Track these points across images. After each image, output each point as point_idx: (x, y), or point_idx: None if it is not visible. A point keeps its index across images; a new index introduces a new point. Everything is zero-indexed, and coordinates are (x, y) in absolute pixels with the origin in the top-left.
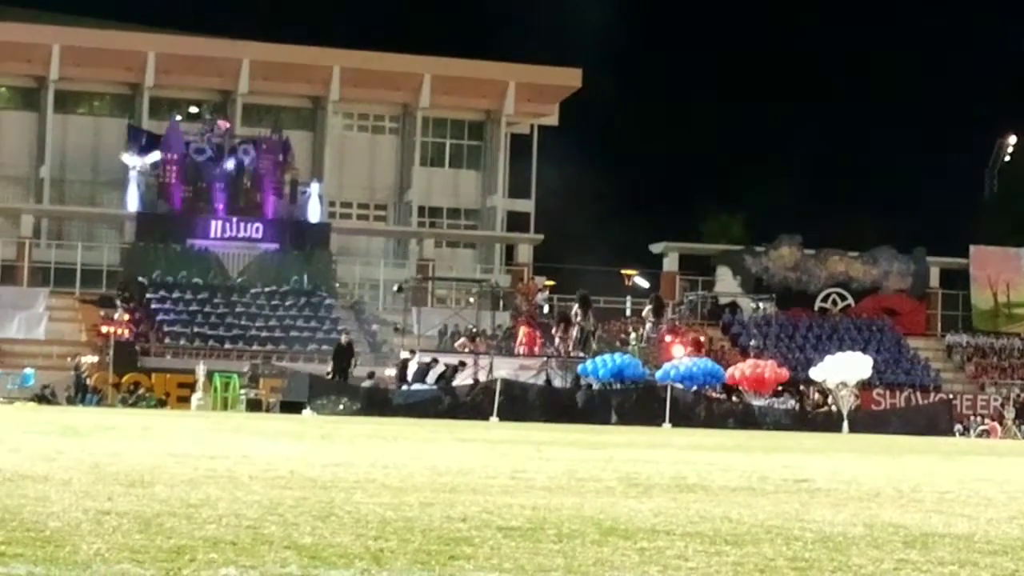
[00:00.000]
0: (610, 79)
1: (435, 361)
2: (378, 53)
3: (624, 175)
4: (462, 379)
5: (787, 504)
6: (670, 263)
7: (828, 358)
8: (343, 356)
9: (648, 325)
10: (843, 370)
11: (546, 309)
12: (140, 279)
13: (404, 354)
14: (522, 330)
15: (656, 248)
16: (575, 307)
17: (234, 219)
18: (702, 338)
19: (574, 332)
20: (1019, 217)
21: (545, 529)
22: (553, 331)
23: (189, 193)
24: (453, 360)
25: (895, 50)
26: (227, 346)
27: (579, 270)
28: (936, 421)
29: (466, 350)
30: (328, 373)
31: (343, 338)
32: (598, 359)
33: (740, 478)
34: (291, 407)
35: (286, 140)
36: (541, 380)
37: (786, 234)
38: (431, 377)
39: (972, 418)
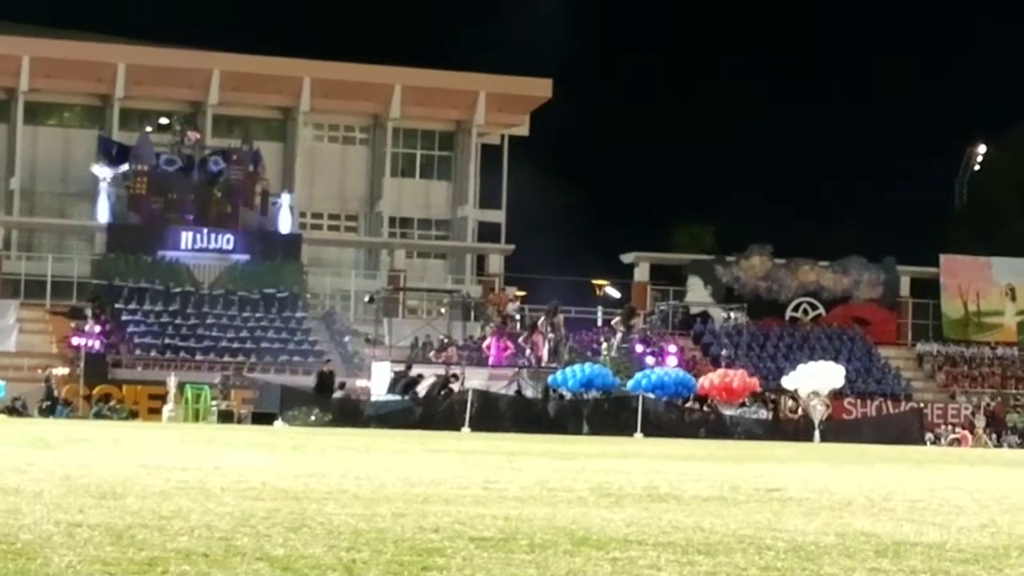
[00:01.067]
0: (580, 89)
1: (421, 377)
2: (348, 64)
3: (595, 185)
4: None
5: (759, 514)
6: (641, 273)
7: (800, 367)
8: (326, 384)
9: (619, 335)
10: (815, 379)
11: (518, 319)
12: (111, 291)
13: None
14: (490, 340)
15: (627, 258)
16: (543, 317)
17: (205, 230)
18: (671, 348)
19: (543, 342)
20: (989, 226)
21: (517, 539)
22: (521, 340)
23: (160, 204)
24: (431, 371)
25: (868, 55)
26: (198, 357)
27: (550, 280)
28: (907, 430)
29: (440, 361)
30: None
31: (325, 367)
32: (568, 369)
33: (712, 488)
34: (263, 418)
35: (257, 151)
36: (512, 390)
37: (756, 244)
38: (422, 389)
39: (943, 427)
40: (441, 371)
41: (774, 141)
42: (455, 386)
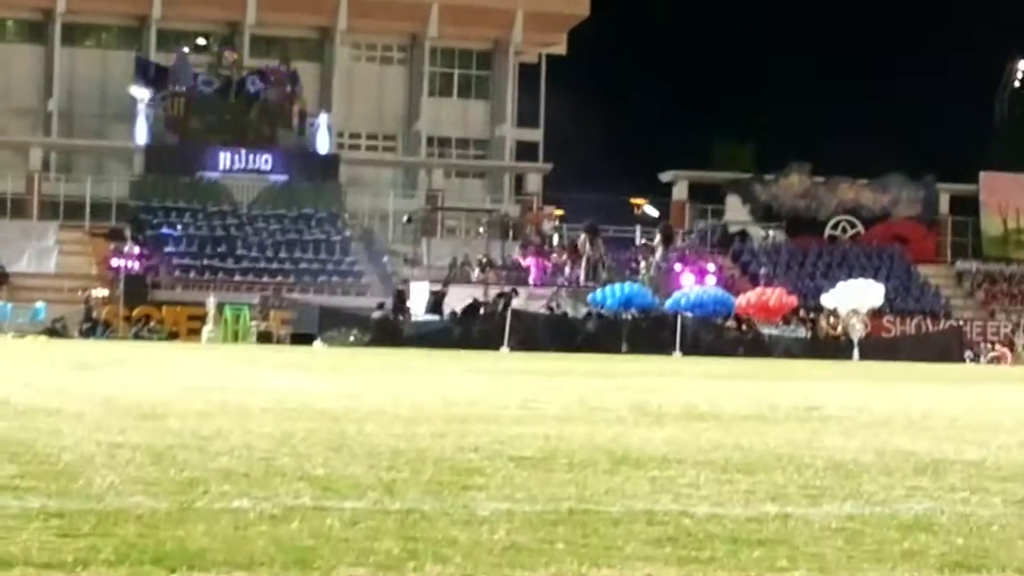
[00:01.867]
0: (618, 7)
1: (477, 301)
2: None
3: (632, 104)
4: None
5: (798, 432)
6: (679, 192)
7: (840, 285)
8: (438, 303)
9: (658, 254)
10: (855, 297)
11: (555, 238)
12: (149, 212)
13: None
14: (530, 261)
15: (665, 177)
16: (582, 236)
17: (243, 151)
18: (710, 266)
19: (583, 262)
20: None
21: (557, 459)
22: (561, 260)
23: (198, 125)
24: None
25: None
26: (237, 278)
27: (588, 199)
28: (946, 348)
29: (480, 281)
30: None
31: (436, 287)
32: (607, 288)
33: (751, 406)
34: (302, 339)
35: (294, 71)
36: (552, 308)
37: (795, 162)
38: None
39: (982, 345)
40: (479, 292)
41: (811, 58)
42: (515, 301)
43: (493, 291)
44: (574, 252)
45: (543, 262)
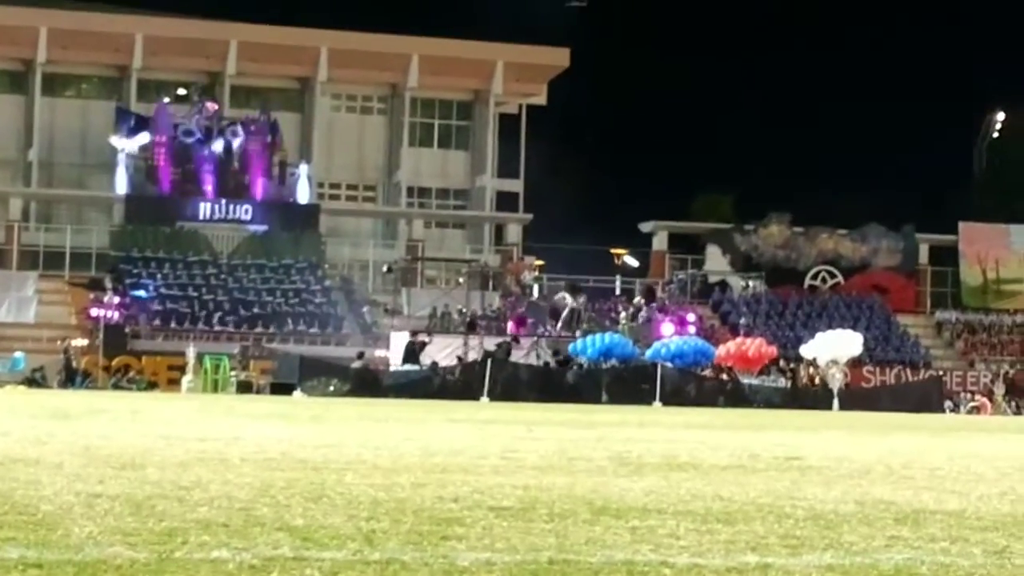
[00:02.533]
0: (598, 58)
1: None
2: (365, 33)
3: (613, 154)
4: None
5: (778, 482)
6: (659, 242)
7: (818, 335)
8: (413, 352)
9: (639, 308)
10: (833, 347)
11: (536, 289)
12: (129, 262)
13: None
14: (510, 324)
15: (645, 227)
16: (565, 295)
17: (223, 201)
18: (690, 316)
19: (563, 315)
20: (1008, 193)
21: (537, 509)
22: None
23: (178, 175)
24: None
25: (883, 25)
26: (217, 328)
27: (569, 249)
28: (926, 398)
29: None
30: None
31: (416, 338)
32: (587, 339)
33: (731, 456)
34: (281, 388)
35: (274, 121)
36: (532, 359)
37: (775, 212)
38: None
39: (962, 394)
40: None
41: (792, 108)
42: (516, 352)
43: (492, 341)
44: (555, 315)
45: (523, 321)
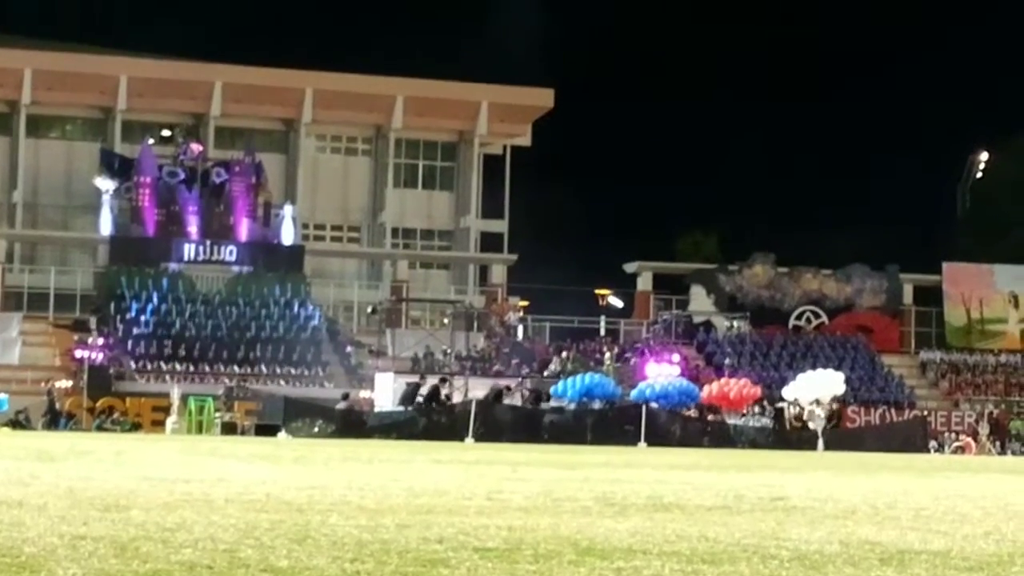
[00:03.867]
0: (582, 99)
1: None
2: (350, 75)
3: (597, 195)
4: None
5: (763, 522)
6: (644, 282)
7: (800, 376)
8: (434, 395)
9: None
10: (816, 387)
11: (520, 330)
12: (113, 303)
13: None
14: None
15: (630, 267)
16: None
17: (208, 242)
18: (675, 357)
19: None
20: (991, 233)
21: (522, 550)
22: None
23: (162, 216)
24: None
25: (867, 64)
26: (201, 369)
27: (553, 290)
28: (911, 438)
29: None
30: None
31: (429, 380)
32: (568, 380)
33: (716, 497)
34: (266, 430)
35: (259, 163)
36: (516, 401)
37: (759, 252)
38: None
39: (947, 434)
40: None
41: (776, 149)
42: (478, 392)
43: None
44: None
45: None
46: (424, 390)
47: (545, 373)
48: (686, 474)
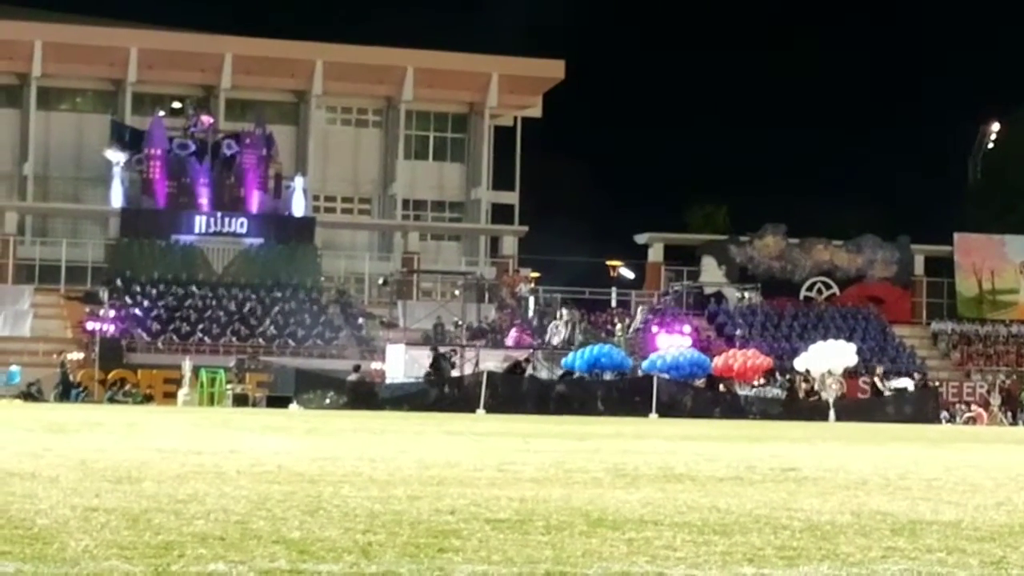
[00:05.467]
0: (593, 70)
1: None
2: (361, 47)
3: (608, 166)
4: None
5: (775, 493)
6: (655, 254)
7: (812, 347)
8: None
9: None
10: (827, 358)
11: (531, 302)
12: (125, 275)
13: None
14: (512, 332)
15: (641, 239)
16: (558, 324)
17: (218, 214)
18: (686, 328)
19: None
20: (1003, 204)
21: (533, 521)
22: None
23: (173, 189)
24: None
25: (877, 37)
26: (212, 341)
27: (564, 261)
28: (922, 409)
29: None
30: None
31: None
32: (578, 351)
33: (727, 468)
34: (278, 402)
35: (270, 134)
36: (528, 372)
37: (771, 223)
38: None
39: (958, 405)
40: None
41: (788, 120)
42: (491, 363)
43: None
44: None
45: (523, 336)
46: (426, 361)
47: (556, 341)
48: (697, 445)
